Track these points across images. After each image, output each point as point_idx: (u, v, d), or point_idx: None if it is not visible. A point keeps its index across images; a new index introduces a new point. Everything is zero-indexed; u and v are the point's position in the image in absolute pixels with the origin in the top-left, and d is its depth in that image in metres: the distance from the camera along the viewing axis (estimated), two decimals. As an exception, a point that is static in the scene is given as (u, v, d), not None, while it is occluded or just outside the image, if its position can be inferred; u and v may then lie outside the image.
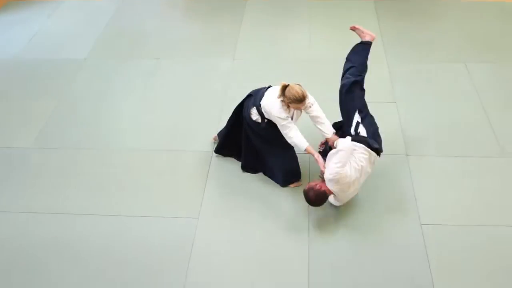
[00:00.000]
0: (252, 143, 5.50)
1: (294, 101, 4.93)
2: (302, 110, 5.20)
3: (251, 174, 5.68)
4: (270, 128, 5.22)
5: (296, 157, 5.53)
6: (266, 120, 5.19)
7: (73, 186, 5.61)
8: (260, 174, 5.68)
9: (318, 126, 5.21)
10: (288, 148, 5.40)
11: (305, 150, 5.08)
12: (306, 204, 5.04)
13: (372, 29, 8.17)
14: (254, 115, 5.25)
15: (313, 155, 5.08)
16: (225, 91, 6.87)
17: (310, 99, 5.13)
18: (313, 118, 5.19)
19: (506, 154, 5.85)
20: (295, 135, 5.07)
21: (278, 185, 5.54)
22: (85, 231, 5.13)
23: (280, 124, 5.08)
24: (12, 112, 6.70)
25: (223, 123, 6.06)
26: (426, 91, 6.83)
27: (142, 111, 6.63)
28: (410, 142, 6.01)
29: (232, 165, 5.79)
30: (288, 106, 5.06)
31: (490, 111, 6.45)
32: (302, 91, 4.92)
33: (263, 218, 5.20)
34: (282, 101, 5.02)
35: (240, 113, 5.49)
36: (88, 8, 9.11)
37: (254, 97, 5.28)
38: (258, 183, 5.59)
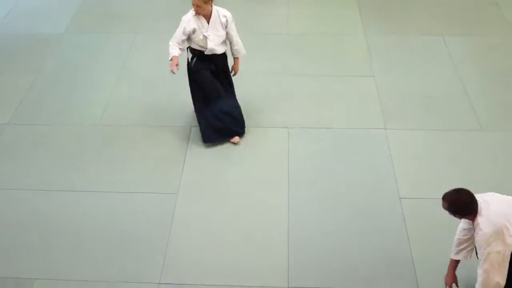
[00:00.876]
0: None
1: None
2: (224, 27, 5.38)
3: (233, 145, 5.72)
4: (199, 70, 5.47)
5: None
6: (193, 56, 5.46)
7: (50, 163, 5.58)
8: (240, 146, 5.70)
9: (231, 46, 5.55)
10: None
11: (171, 58, 5.28)
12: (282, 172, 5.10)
13: (350, 2, 8.18)
14: (189, 53, 5.49)
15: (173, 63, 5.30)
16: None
17: (227, 15, 5.37)
18: (228, 36, 5.44)
19: (483, 127, 5.92)
20: (176, 43, 5.31)
21: (257, 153, 5.61)
22: (62, 206, 5.12)
23: (179, 26, 5.28)
24: (-12, 88, 6.63)
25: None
26: (404, 64, 6.86)
27: (120, 86, 6.59)
28: (389, 116, 6.05)
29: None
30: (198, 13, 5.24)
31: (467, 84, 6.49)
32: None
33: (241, 186, 5.25)
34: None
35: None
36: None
37: None
38: (240, 154, 5.62)
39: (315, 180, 5.33)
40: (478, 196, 3.73)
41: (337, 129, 5.90)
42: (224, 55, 5.55)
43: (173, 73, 5.27)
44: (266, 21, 7.83)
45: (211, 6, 5.26)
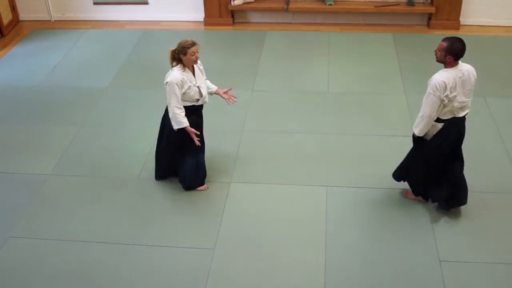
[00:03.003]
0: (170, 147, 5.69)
1: (186, 47, 5.14)
2: (203, 74, 5.50)
3: (271, 202, 5.70)
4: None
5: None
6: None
7: (89, 214, 5.64)
8: (277, 203, 5.68)
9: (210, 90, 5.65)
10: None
11: (187, 128, 5.32)
12: (324, 230, 5.02)
13: (391, 60, 8.24)
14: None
15: (192, 132, 5.36)
16: (243, 123, 6.91)
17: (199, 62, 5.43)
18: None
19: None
20: (179, 106, 5.28)
21: (295, 211, 5.55)
22: (99, 258, 5.14)
23: (171, 91, 5.21)
24: (34, 138, 6.78)
25: (241, 154, 6.09)
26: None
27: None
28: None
29: (250, 196, 5.80)
30: (184, 66, 5.24)
31: (509, 146, 6.41)
32: (187, 40, 5.20)
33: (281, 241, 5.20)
34: (177, 64, 5.23)
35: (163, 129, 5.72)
36: (110, 38, 9.27)
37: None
38: (277, 211, 5.60)
39: (353, 240, 5.26)
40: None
41: (376, 189, 5.85)
42: None
43: (198, 141, 5.38)
44: (305, 77, 7.90)
45: None
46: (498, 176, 6.00)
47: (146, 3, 9.70)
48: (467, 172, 5.93)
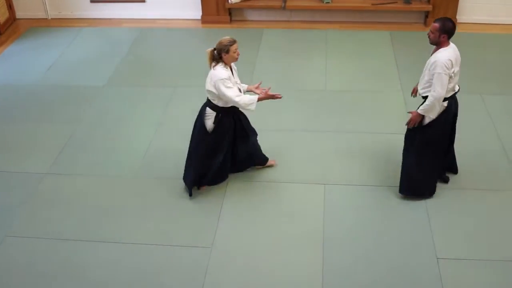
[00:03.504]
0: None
1: (229, 44, 5.16)
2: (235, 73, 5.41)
3: (269, 201, 5.70)
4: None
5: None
6: (220, 115, 5.39)
7: (86, 213, 5.63)
8: (275, 202, 5.68)
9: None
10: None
11: (258, 100, 5.30)
12: (320, 230, 5.03)
13: (388, 58, 8.24)
14: (209, 116, 5.42)
15: (264, 98, 5.33)
16: (241, 120, 6.90)
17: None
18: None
19: (523, 187, 5.82)
20: (239, 93, 5.26)
21: (292, 209, 5.55)
22: (96, 257, 5.14)
23: (225, 87, 5.16)
24: (30, 137, 6.77)
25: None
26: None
27: (158, 138, 6.67)
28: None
29: (248, 195, 5.80)
30: (226, 64, 5.23)
31: (506, 143, 6.41)
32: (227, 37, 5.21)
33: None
34: (216, 64, 5.23)
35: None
36: (107, 36, 9.24)
37: (202, 107, 5.52)
38: (275, 210, 5.59)
39: (351, 238, 5.26)
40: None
41: (373, 187, 5.85)
42: None
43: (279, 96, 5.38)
44: (302, 74, 7.90)
45: None
46: (495, 174, 6.00)
47: (143, 1, 9.67)
48: (464, 169, 5.96)
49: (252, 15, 9.67)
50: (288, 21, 9.60)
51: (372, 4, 9.14)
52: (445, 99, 5.18)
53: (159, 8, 9.70)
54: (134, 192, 5.88)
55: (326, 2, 9.18)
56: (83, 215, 5.62)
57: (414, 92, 5.68)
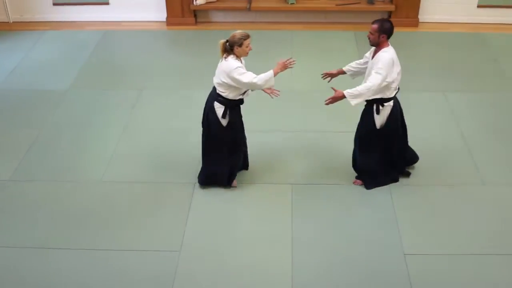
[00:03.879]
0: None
1: (243, 38, 5.26)
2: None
3: (236, 202, 5.70)
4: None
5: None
6: (227, 111, 5.47)
7: (51, 220, 5.54)
8: (243, 203, 5.68)
9: None
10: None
11: (274, 74, 5.36)
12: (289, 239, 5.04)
13: (353, 57, 8.29)
14: (219, 111, 5.45)
15: (279, 70, 5.41)
16: (208, 122, 6.88)
17: None
18: None
19: (485, 181, 5.92)
20: (255, 75, 5.30)
21: (260, 210, 5.56)
22: (62, 264, 5.06)
23: (239, 74, 5.25)
24: (-8, 143, 6.65)
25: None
26: (406, 120, 6.84)
27: (124, 142, 6.60)
28: (392, 172, 6.04)
29: (215, 196, 5.78)
30: (237, 56, 5.33)
31: (469, 140, 6.52)
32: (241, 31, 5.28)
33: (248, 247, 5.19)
34: (227, 55, 5.32)
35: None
36: (70, 39, 9.12)
37: (209, 98, 5.54)
38: (242, 211, 5.59)
39: (319, 237, 5.28)
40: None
41: (341, 185, 5.89)
42: None
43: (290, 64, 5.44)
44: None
45: None
46: (458, 170, 6.09)
47: (107, 3, 9.59)
48: (428, 166, 6.04)
49: (217, 17, 9.66)
50: (253, 22, 9.61)
51: (336, 5, 9.21)
52: (389, 99, 5.35)
53: (124, 11, 9.62)
54: (100, 197, 5.82)
55: (291, 3, 9.22)
56: (47, 221, 5.52)
57: (327, 74, 5.95)
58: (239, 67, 5.24)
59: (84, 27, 9.52)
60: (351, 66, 5.78)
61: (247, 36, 5.27)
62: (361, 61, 5.69)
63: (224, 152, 5.65)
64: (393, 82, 5.24)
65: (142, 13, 9.63)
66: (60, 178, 6.08)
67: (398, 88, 5.43)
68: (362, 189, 5.78)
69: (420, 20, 9.28)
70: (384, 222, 5.43)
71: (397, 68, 5.24)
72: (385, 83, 5.18)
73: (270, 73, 5.33)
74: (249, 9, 9.23)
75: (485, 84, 7.68)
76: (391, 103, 5.39)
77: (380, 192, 5.77)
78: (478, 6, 9.30)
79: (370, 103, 5.43)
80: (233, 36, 5.26)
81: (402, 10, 9.16)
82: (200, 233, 5.37)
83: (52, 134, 6.79)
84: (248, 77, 5.25)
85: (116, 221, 5.52)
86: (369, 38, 5.26)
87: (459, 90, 7.50)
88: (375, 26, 5.19)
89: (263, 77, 5.29)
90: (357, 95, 5.25)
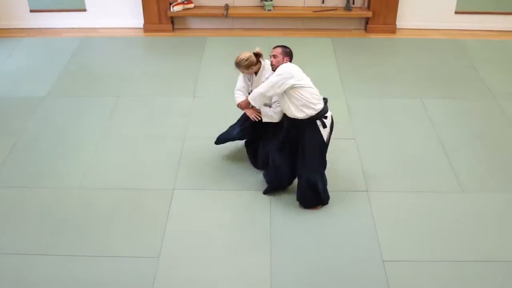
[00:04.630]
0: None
1: (237, 66, 5.63)
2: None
3: (215, 208, 5.70)
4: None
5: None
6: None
7: (29, 226, 5.48)
8: (221, 209, 5.67)
9: None
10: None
11: (237, 102, 5.76)
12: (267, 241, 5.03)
13: (330, 64, 8.35)
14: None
15: (245, 108, 5.70)
16: (186, 128, 6.87)
17: (266, 65, 5.68)
18: None
19: (464, 188, 5.97)
20: (240, 93, 5.80)
21: (238, 215, 5.56)
22: (40, 271, 5.00)
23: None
24: (-32, 151, 6.57)
25: (183, 161, 6.07)
26: (385, 126, 6.94)
27: (102, 149, 6.56)
28: (370, 178, 6.07)
29: (194, 202, 5.76)
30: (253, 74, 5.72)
31: (447, 146, 6.58)
32: (238, 56, 5.63)
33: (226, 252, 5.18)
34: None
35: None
36: (48, 46, 9.05)
37: None
38: (222, 217, 5.58)
39: (297, 244, 5.29)
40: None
41: (319, 191, 5.90)
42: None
43: None
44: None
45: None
46: (436, 177, 6.14)
47: (84, 10, 9.53)
48: (407, 174, 6.08)
49: (195, 23, 9.65)
50: (230, 29, 9.63)
51: (314, 11, 9.26)
52: (316, 113, 5.38)
53: (101, 17, 9.57)
54: (78, 204, 5.77)
55: (268, 10, 9.25)
56: (26, 228, 5.47)
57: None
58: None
59: (61, 34, 9.46)
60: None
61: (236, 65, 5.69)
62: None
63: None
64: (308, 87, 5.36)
65: (119, 19, 9.59)
66: (39, 185, 6.02)
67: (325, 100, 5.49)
68: (340, 196, 5.80)
69: (397, 27, 9.36)
70: (363, 229, 5.45)
71: (303, 80, 5.36)
72: (287, 85, 5.23)
73: (241, 98, 5.75)
74: (226, 16, 9.24)
75: (464, 91, 7.76)
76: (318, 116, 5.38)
77: (359, 199, 5.79)
78: (456, 13, 9.40)
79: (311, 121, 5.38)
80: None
81: (380, 17, 9.24)
82: (179, 239, 5.34)
83: (30, 141, 6.72)
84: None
85: (94, 227, 5.47)
86: (271, 62, 5.42)
87: (438, 97, 7.57)
88: (278, 49, 5.42)
89: (236, 96, 5.79)
90: (251, 98, 5.46)
